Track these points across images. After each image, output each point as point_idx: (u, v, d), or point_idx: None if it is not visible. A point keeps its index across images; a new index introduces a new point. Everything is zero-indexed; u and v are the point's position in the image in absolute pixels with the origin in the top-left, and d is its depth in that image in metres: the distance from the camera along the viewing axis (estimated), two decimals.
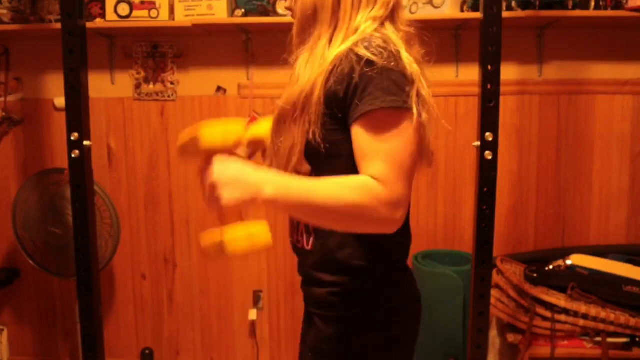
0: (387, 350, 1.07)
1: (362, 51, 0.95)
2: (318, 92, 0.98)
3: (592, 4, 2.15)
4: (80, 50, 1.52)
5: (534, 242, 2.47)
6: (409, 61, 0.98)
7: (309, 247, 1.10)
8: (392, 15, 1.06)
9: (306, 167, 1.03)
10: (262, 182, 0.90)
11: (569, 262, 2.13)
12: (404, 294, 1.12)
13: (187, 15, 2.28)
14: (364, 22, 1.02)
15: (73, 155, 1.52)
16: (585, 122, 2.40)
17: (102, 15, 2.32)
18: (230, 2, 2.29)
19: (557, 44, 2.37)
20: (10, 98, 2.57)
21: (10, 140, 2.60)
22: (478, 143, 1.52)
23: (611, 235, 2.43)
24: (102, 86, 2.52)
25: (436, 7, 2.20)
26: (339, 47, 0.99)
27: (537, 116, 2.41)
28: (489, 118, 1.50)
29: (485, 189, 1.51)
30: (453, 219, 2.49)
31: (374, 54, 0.94)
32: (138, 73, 2.51)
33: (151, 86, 2.52)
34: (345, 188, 0.92)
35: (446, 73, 2.42)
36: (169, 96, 2.52)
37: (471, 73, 2.35)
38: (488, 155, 1.49)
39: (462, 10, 2.24)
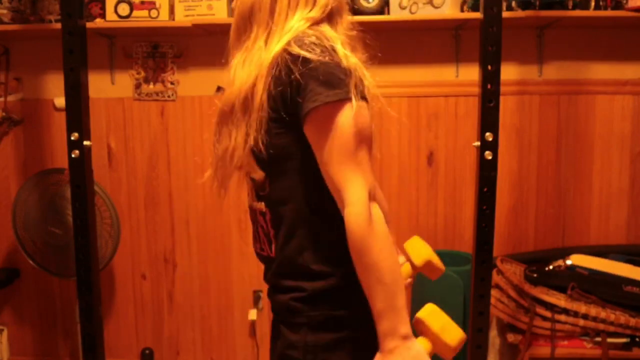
0: (354, 351, 1.06)
1: (295, 50, 0.96)
2: (259, 98, 0.98)
3: (592, 4, 2.15)
4: (80, 50, 1.52)
5: (534, 242, 2.47)
6: (344, 54, 0.97)
7: (272, 254, 1.09)
8: (329, 18, 1.06)
9: (259, 173, 1.05)
10: (401, 338, 0.96)
11: (569, 262, 2.13)
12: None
13: (187, 15, 2.28)
14: (298, 22, 1.01)
15: (73, 155, 1.52)
16: (585, 122, 2.40)
17: (102, 15, 2.32)
18: (230, 2, 2.29)
19: (557, 44, 2.37)
20: (10, 98, 2.57)
21: (10, 140, 2.60)
22: (478, 143, 1.52)
23: (611, 235, 2.43)
24: (102, 86, 2.52)
25: (436, 7, 2.20)
26: (274, 48, 0.99)
27: (537, 116, 2.41)
28: (489, 118, 1.50)
29: (485, 189, 1.51)
30: (453, 219, 2.49)
31: (307, 51, 0.95)
32: (138, 73, 2.51)
33: (151, 86, 2.52)
34: (363, 253, 0.95)
35: (446, 73, 2.42)
36: (169, 96, 2.52)
37: (471, 73, 2.35)
38: (488, 155, 1.49)
39: (462, 10, 2.24)
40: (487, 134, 1.49)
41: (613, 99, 2.38)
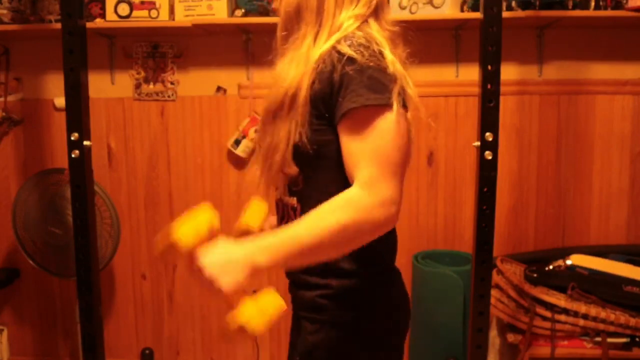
0: (377, 351, 1.07)
1: (344, 49, 0.96)
2: (304, 93, 0.98)
3: (592, 4, 2.15)
4: (80, 50, 1.52)
5: (534, 242, 2.47)
6: (391, 60, 0.97)
7: None
8: (375, 14, 1.06)
9: (294, 168, 1.03)
10: (250, 254, 0.90)
11: (569, 262, 2.13)
12: (392, 295, 1.12)
13: (187, 15, 2.28)
14: (347, 20, 1.02)
15: (73, 155, 1.52)
16: (585, 122, 2.40)
17: (102, 15, 2.32)
18: (230, 2, 2.29)
19: (557, 44, 2.37)
20: (10, 98, 2.57)
21: (10, 140, 2.60)
22: (478, 143, 1.51)
23: (611, 235, 2.43)
24: (102, 86, 2.52)
25: (436, 7, 2.20)
26: (323, 46, 1.00)
27: (537, 116, 2.41)
28: (489, 118, 1.50)
29: (485, 189, 1.51)
30: (453, 219, 2.49)
31: (355, 52, 0.95)
32: (138, 73, 2.51)
33: (151, 86, 2.52)
34: (329, 214, 0.91)
35: (446, 73, 2.42)
36: (169, 96, 2.52)
37: (471, 73, 2.35)
38: (488, 155, 1.49)
39: (462, 10, 2.24)
40: (487, 134, 1.49)
41: (613, 99, 2.38)
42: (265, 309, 0.91)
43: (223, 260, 0.90)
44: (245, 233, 1.19)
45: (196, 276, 0.91)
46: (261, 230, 1.22)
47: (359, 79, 0.93)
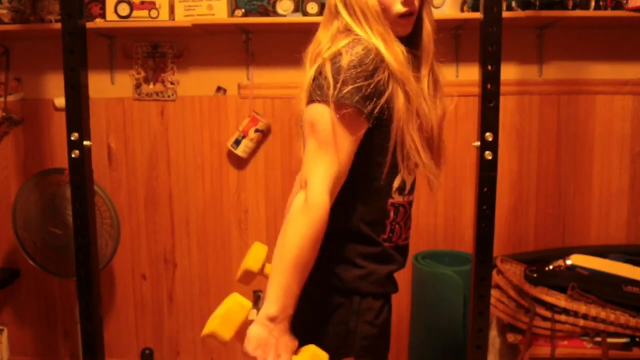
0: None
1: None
2: None
3: (592, 4, 2.15)
4: (80, 50, 1.52)
5: (534, 242, 2.47)
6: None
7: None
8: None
9: None
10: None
11: (569, 262, 2.13)
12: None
13: (187, 15, 2.28)
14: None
15: (73, 156, 1.52)
16: (585, 122, 2.40)
17: (102, 15, 2.32)
18: (230, 2, 2.29)
19: (557, 44, 2.37)
20: (10, 98, 2.57)
21: (10, 140, 2.60)
22: (478, 143, 1.51)
23: (611, 235, 2.43)
24: (102, 86, 2.52)
25: (436, 7, 2.20)
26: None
27: (537, 116, 2.41)
28: (489, 118, 1.50)
29: (485, 189, 1.51)
30: (453, 219, 2.49)
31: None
32: (138, 73, 2.51)
33: (151, 86, 2.52)
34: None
35: (446, 73, 2.37)
36: (169, 96, 2.52)
37: (471, 73, 2.35)
38: (488, 155, 1.49)
39: (462, 10, 2.24)
40: (487, 134, 1.49)
41: (613, 99, 2.38)
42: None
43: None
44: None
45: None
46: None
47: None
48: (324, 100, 1.05)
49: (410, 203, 1.24)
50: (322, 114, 1.05)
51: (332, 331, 1.15)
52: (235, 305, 1.08)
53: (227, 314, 1.08)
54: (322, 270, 1.15)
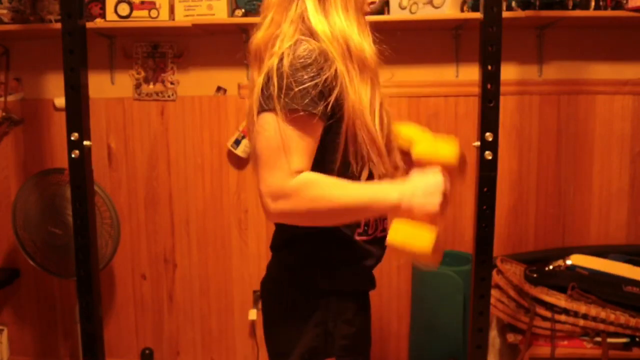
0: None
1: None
2: None
3: (592, 4, 2.15)
4: (80, 50, 1.51)
5: (534, 242, 2.47)
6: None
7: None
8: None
9: None
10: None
11: (569, 262, 2.13)
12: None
13: (187, 15, 2.28)
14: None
15: (73, 156, 1.52)
16: (585, 122, 2.40)
17: (102, 15, 2.32)
18: (230, 2, 2.29)
19: (557, 44, 2.37)
20: (10, 98, 2.57)
21: (10, 140, 2.60)
22: (478, 143, 1.51)
23: (611, 235, 2.43)
24: (102, 86, 2.52)
25: (436, 7, 2.20)
26: None
27: (537, 116, 2.41)
28: (489, 118, 1.50)
29: (485, 189, 1.51)
30: (453, 219, 2.48)
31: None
32: (138, 73, 2.51)
33: (151, 86, 2.52)
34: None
35: (446, 73, 2.42)
36: (169, 96, 2.52)
37: (471, 73, 2.36)
38: (488, 155, 1.49)
39: (462, 10, 2.24)
40: (487, 134, 1.49)
41: (613, 99, 2.38)
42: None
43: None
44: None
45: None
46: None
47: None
48: (272, 109, 1.03)
49: None
50: (270, 123, 1.03)
51: (312, 333, 1.15)
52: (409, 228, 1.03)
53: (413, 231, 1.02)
54: (298, 272, 1.16)
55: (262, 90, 1.06)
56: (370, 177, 1.13)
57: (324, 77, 1.04)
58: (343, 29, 1.10)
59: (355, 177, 1.11)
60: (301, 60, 1.03)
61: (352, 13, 1.13)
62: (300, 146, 1.03)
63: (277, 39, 1.09)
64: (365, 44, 1.12)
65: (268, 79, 1.05)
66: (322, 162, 1.09)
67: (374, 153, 1.11)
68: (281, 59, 1.04)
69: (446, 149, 1.18)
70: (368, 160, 1.11)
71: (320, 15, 1.10)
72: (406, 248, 1.02)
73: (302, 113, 1.02)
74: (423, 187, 1.04)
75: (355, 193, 1.04)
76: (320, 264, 1.16)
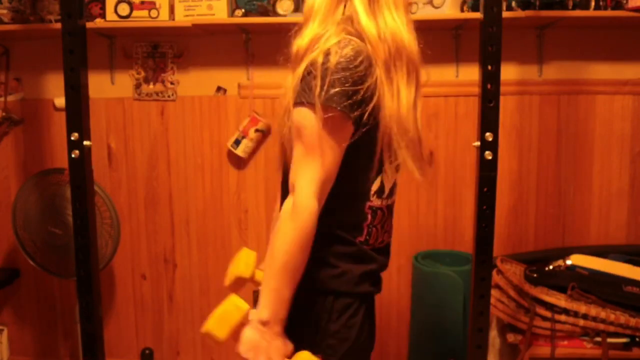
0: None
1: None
2: None
3: (592, 4, 2.15)
4: (80, 50, 1.52)
5: (534, 242, 2.47)
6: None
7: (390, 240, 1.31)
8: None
9: None
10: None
11: (569, 262, 2.13)
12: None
13: (187, 15, 2.28)
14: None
15: (73, 156, 1.52)
16: (585, 122, 2.40)
17: (102, 15, 2.32)
18: (230, 2, 2.29)
19: (557, 44, 2.37)
20: (10, 98, 2.57)
21: (10, 140, 2.60)
22: (478, 143, 1.51)
23: (611, 235, 2.43)
24: (102, 86, 2.52)
25: (436, 7, 2.20)
26: None
27: (537, 116, 2.41)
28: (489, 118, 1.50)
29: (485, 189, 1.51)
30: (453, 219, 2.49)
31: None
32: (138, 73, 2.51)
33: (151, 86, 2.52)
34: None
35: (446, 73, 2.42)
36: (169, 96, 2.52)
37: (471, 73, 2.35)
38: (488, 155, 1.49)
39: (462, 10, 2.24)
40: (487, 134, 1.49)
41: (613, 99, 2.38)
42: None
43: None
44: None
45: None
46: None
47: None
48: (311, 103, 1.03)
49: (388, 207, 1.23)
50: (308, 118, 1.03)
51: (306, 330, 1.15)
52: (232, 307, 1.11)
53: (223, 315, 1.12)
54: None
55: (301, 80, 1.06)
56: (382, 187, 1.16)
57: (367, 85, 1.05)
58: (393, 28, 1.11)
59: (368, 184, 1.14)
60: (348, 61, 1.04)
61: (401, 9, 1.14)
62: (331, 147, 1.05)
63: (322, 38, 1.09)
64: (414, 42, 1.12)
65: (309, 72, 1.05)
66: (355, 167, 1.11)
67: (411, 158, 1.12)
68: (327, 54, 1.04)
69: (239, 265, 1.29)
70: (402, 165, 1.15)
71: (370, 16, 1.11)
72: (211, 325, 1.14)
73: (337, 113, 1.03)
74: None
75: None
76: (320, 262, 1.16)
